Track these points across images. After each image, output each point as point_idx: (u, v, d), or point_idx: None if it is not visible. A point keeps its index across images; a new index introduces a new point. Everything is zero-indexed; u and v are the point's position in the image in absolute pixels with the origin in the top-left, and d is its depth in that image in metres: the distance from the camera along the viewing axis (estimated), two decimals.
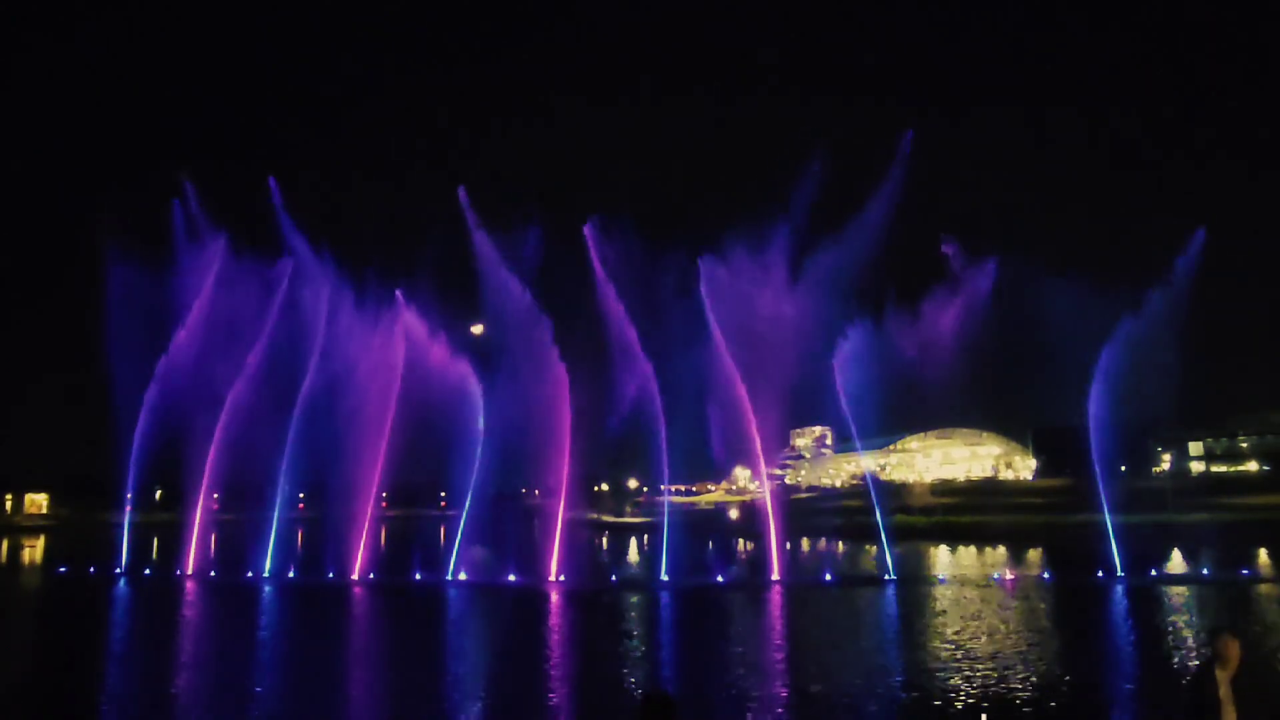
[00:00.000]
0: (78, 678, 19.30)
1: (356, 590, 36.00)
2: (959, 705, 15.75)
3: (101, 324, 40.98)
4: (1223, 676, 7.29)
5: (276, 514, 41.55)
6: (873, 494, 43.64)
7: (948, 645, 22.39)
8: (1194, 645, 21.85)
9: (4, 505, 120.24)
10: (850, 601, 32.38)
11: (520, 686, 18.20)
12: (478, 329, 42.10)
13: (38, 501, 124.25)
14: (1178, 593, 33.51)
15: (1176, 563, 44.56)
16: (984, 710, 15.33)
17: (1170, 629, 26.21)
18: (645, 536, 64.96)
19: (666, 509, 41.97)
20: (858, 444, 46.04)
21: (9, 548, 71.22)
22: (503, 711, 16.38)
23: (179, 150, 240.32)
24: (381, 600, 33.93)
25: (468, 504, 40.20)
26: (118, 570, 42.27)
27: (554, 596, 33.66)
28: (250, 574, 39.60)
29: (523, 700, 16.85)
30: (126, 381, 42.60)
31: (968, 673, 18.46)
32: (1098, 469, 40.99)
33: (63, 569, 45.00)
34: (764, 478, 43.64)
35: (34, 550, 67.90)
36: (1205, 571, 39.91)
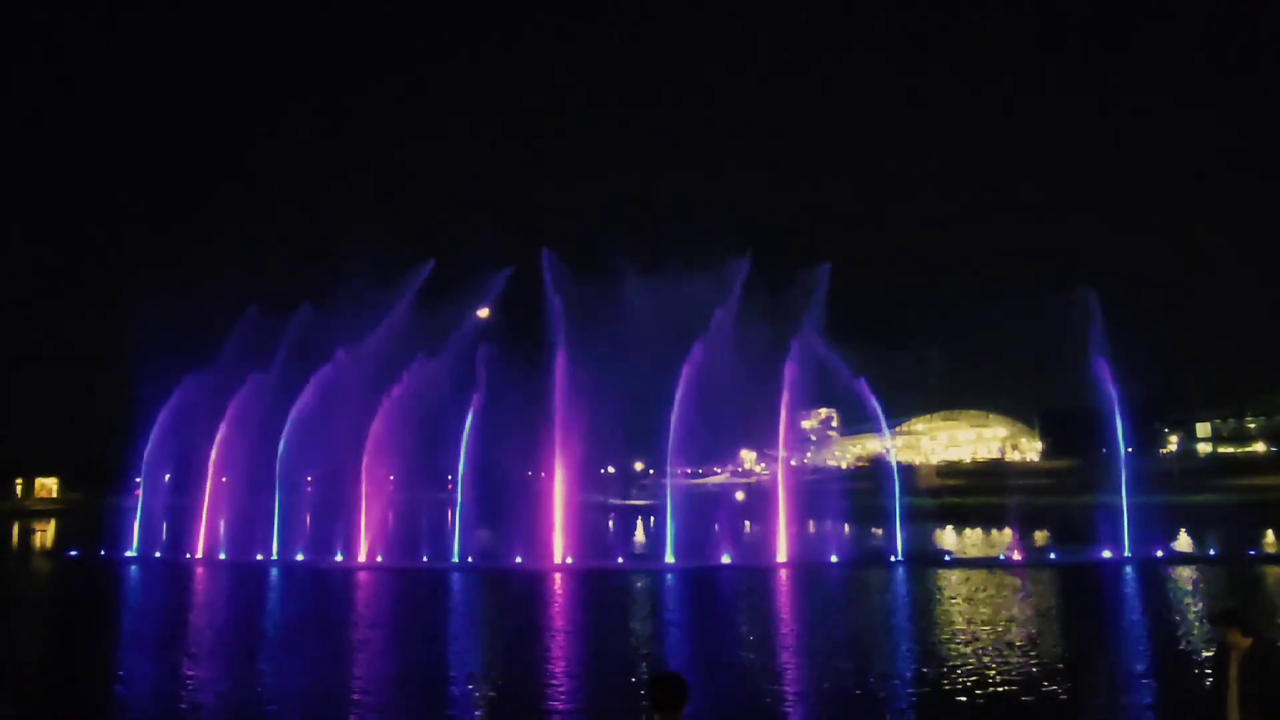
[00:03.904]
0: (95, 660, 19.44)
1: (364, 573, 36.17)
2: (967, 686, 15.78)
3: (115, 313, 41.61)
4: (1235, 657, 7.30)
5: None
6: (892, 476, 43.67)
7: (954, 626, 22.44)
8: (1200, 626, 21.85)
9: (15, 490, 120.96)
10: (856, 582, 32.43)
11: (529, 668, 18.26)
12: (484, 312, 42.15)
13: (48, 486, 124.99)
14: (1185, 573, 33.48)
15: (1184, 543, 44.52)
16: (994, 692, 15.35)
17: (1177, 609, 26.23)
18: (652, 518, 65.04)
19: (670, 491, 42.05)
20: (883, 424, 46.04)
21: (20, 532, 71.76)
22: (512, 693, 16.45)
23: (184, 144, 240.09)
24: (389, 583, 34.07)
25: (461, 485, 40.41)
26: (128, 554, 42.58)
27: (562, 578, 33.78)
28: (259, 557, 39.85)
29: (532, 682, 16.92)
30: (140, 368, 43.07)
31: (974, 654, 18.49)
32: (1104, 450, 40.97)
33: (74, 553, 45.31)
34: (781, 458, 43.71)
35: (45, 535, 68.39)
36: (1212, 552, 39.88)
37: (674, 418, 38.92)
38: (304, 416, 41.81)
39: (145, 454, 44.59)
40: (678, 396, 38.82)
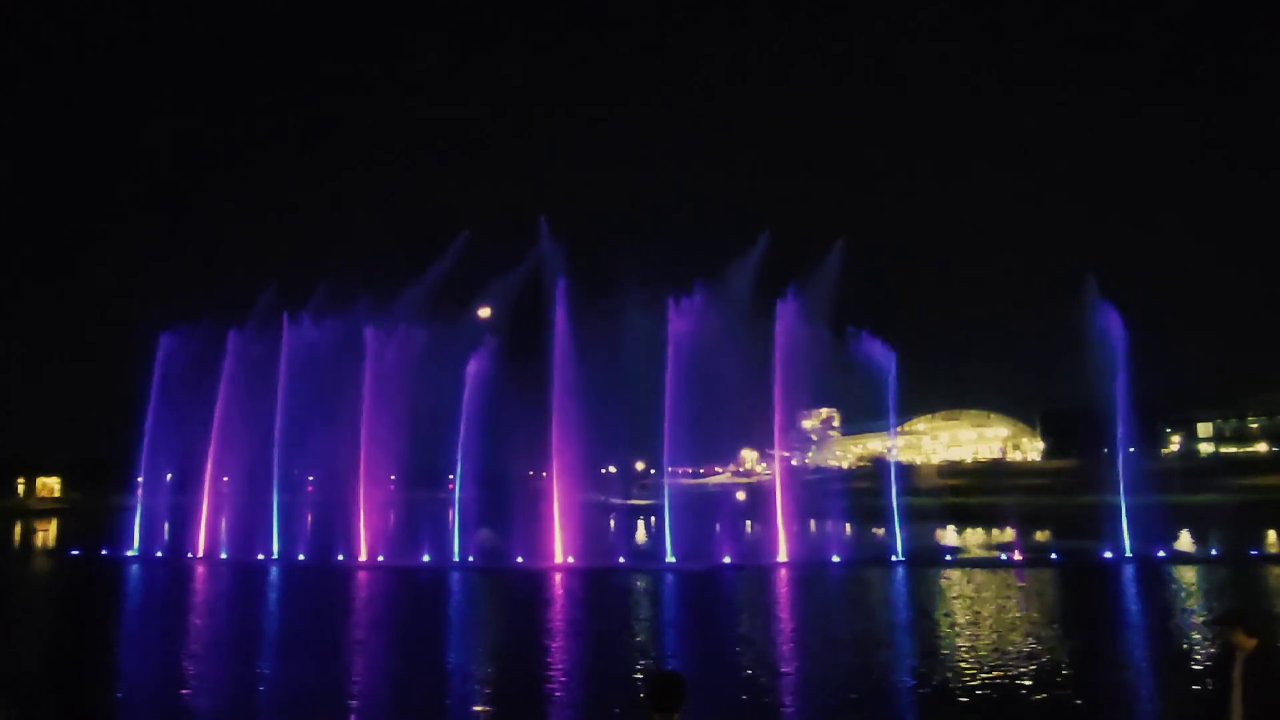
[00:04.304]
0: (96, 660, 19.45)
1: (365, 573, 36.19)
2: (969, 687, 15.76)
3: (120, 312, 41.88)
4: (1238, 657, 7.29)
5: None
6: (891, 475, 43.67)
7: (956, 626, 22.42)
8: (1202, 626, 21.83)
9: (17, 489, 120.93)
10: (857, 582, 32.41)
11: (529, 668, 18.26)
12: (485, 312, 42.13)
13: (50, 485, 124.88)
14: (1186, 573, 33.44)
15: (1185, 543, 44.45)
16: (997, 693, 15.33)
17: (1179, 609, 26.19)
18: (653, 518, 64.97)
19: (667, 489, 42.09)
20: (891, 425, 45.89)
21: (22, 531, 71.78)
22: (511, 693, 16.45)
23: (192, 139, 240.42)
24: (389, 582, 34.09)
25: (455, 483, 40.42)
26: (129, 553, 42.63)
27: (563, 578, 33.77)
28: (260, 556, 39.90)
29: (532, 681, 16.91)
30: (141, 367, 43.21)
31: (976, 654, 18.47)
32: (1106, 450, 40.91)
33: (75, 552, 45.38)
34: (777, 458, 43.70)
35: (47, 534, 68.41)
36: (1214, 552, 39.81)
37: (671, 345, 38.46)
38: (316, 358, 41.83)
39: (147, 453, 44.41)
40: (674, 333, 38.48)
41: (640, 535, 56.45)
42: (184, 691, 16.48)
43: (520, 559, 37.21)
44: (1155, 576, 32.20)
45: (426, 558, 38.74)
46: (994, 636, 20.39)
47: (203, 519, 43.02)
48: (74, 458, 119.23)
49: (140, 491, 45.87)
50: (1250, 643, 7.27)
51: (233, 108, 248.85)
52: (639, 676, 16.76)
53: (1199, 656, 17.71)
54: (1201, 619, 23.06)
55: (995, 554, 41.38)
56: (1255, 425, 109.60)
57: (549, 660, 19.20)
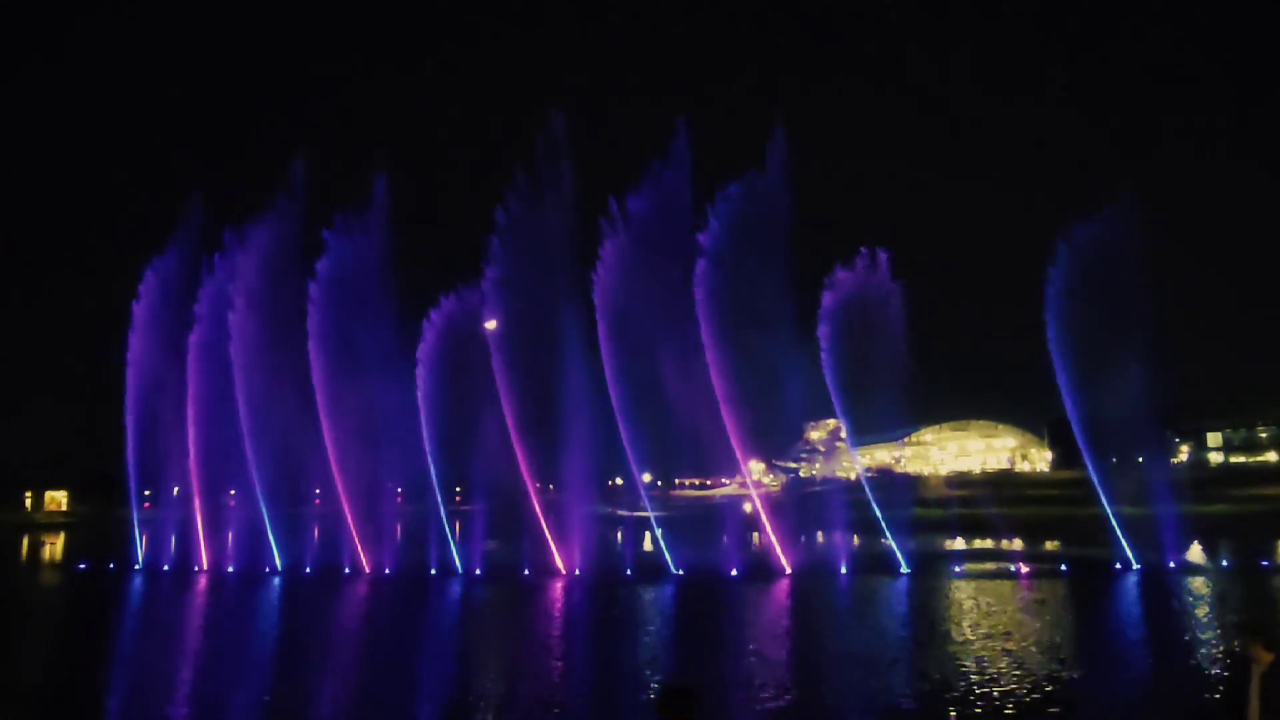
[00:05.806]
0: (98, 672, 19.44)
1: (371, 585, 36.17)
2: (975, 697, 15.66)
3: (120, 319, 42.00)
4: (1255, 670, 7.26)
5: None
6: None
7: (964, 637, 22.27)
8: (1214, 638, 21.67)
9: (24, 503, 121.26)
10: (864, 593, 32.26)
11: (536, 680, 18.20)
12: (491, 324, 42.11)
13: (57, 499, 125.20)
14: (1197, 584, 33.21)
15: (1195, 553, 44.19)
16: (998, 700, 15.22)
17: (1189, 620, 25.99)
18: (659, 530, 64.76)
19: (647, 503, 42.10)
20: (850, 442, 45.60)
21: (29, 545, 71.92)
22: (519, 705, 16.38)
23: (190, 147, 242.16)
24: (394, 594, 34.06)
25: (450, 495, 40.42)
26: (136, 566, 42.70)
27: (570, 590, 33.70)
28: (267, 569, 39.92)
29: (540, 694, 16.85)
30: (145, 378, 43.29)
31: (981, 665, 18.35)
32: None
33: (82, 565, 45.46)
34: (749, 475, 43.69)
35: (54, 547, 68.57)
36: (1225, 562, 39.56)
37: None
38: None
39: (148, 466, 44.33)
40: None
41: (647, 546, 56.33)
42: (184, 704, 16.44)
43: (527, 571, 37.17)
44: (1165, 587, 31.99)
45: (433, 570, 38.73)
46: (1002, 648, 20.24)
47: (199, 531, 43.02)
48: (81, 471, 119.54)
49: (147, 505, 46.00)
50: (1268, 656, 7.23)
51: (250, 102, 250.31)
52: (647, 689, 16.67)
53: (1212, 669, 17.57)
54: (1211, 633, 22.89)
55: (1003, 564, 41.18)
56: (1265, 435, 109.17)
57: (556, 673, 19.13)
